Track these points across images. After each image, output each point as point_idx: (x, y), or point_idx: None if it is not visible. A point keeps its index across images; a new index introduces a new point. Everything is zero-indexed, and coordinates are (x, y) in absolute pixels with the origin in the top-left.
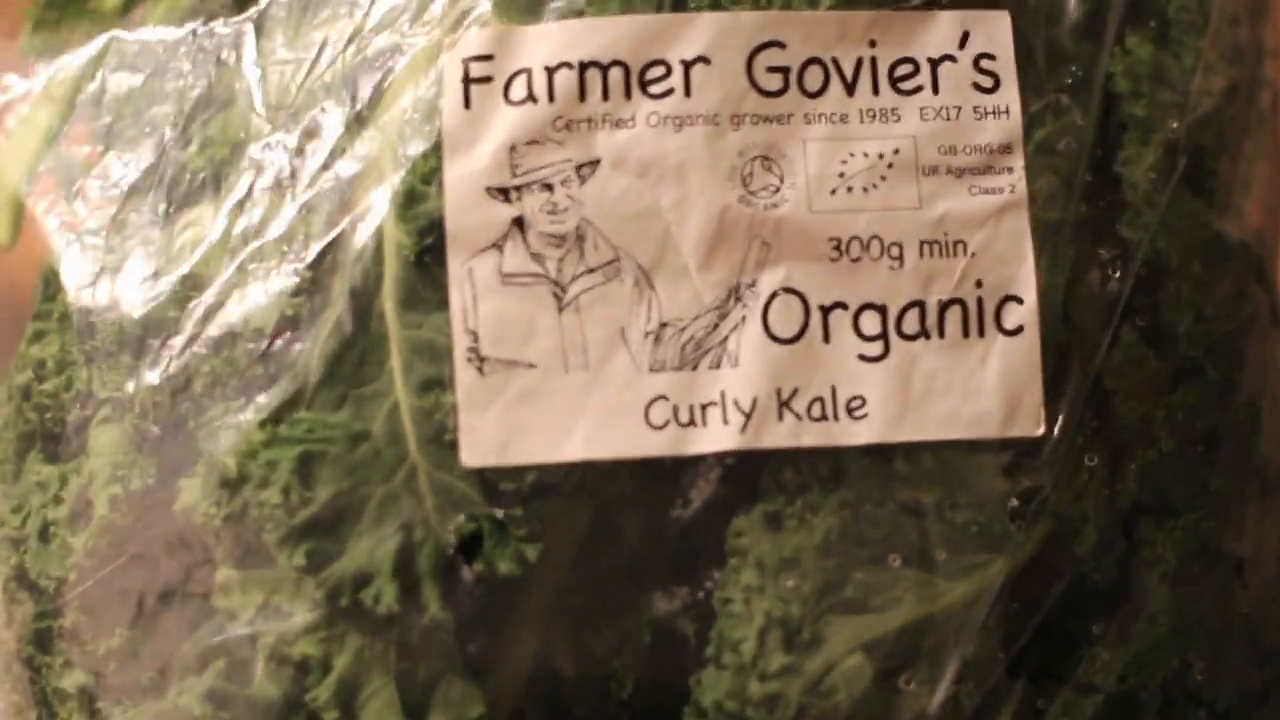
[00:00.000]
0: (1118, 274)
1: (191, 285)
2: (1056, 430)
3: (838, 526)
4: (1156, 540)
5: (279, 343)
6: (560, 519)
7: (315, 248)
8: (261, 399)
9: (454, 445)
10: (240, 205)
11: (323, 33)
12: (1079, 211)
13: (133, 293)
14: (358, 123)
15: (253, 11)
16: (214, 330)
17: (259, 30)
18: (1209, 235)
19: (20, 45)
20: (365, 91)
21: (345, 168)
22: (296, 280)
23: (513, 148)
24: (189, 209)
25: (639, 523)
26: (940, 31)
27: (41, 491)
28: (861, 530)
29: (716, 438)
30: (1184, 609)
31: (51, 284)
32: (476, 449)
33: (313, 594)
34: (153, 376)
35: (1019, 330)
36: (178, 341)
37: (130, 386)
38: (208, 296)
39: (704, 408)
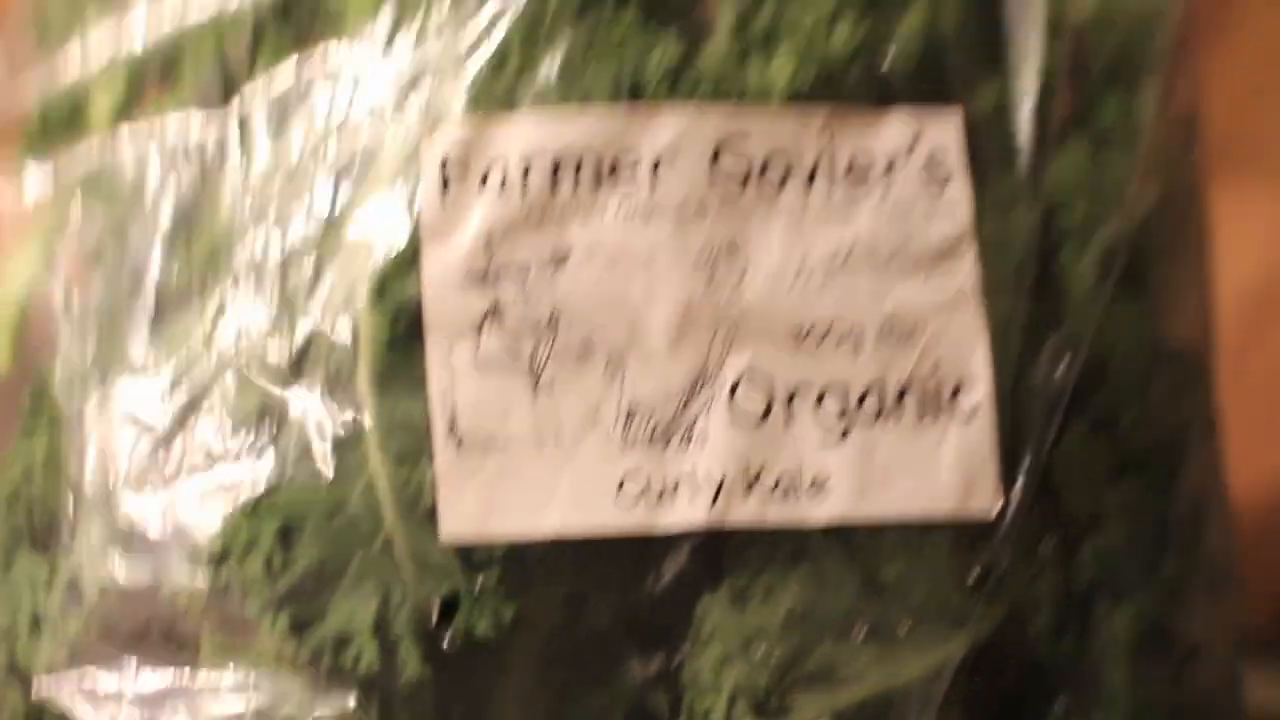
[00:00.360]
0: (1063, 367)
1: (175, 387)
2: (1010, 512)
3: (801, 602)
4: (1112, 620)
5: (261, 434)
6: (536, 587)
7: (297, 340)
8: (244, 484)
9: (431, 515)
10: (221, 307)
11: (302, 130)
12: (1026, 306)
13: (120, 398)
14: (339, 218)
15: (234, 111)
16: (198, 428)
17: (241, 132)
18: (1147, 337)
19: (15, 162)
20: (345, 187)
21: (325, 261)
22: (279, 373)
23: (488, 237)
24: (175, 315)
25: (612, 596)
26: (894, 129)
27: (30, 586)
28: (824, 605)
29: (686, 515)
30: (1141, 690)
31: (39, 390)
32: (455, 523)
33: (296, 658)
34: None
35: (973, 414)
36: (162, 440)
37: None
38: (191, 396)
39: (674, 485)
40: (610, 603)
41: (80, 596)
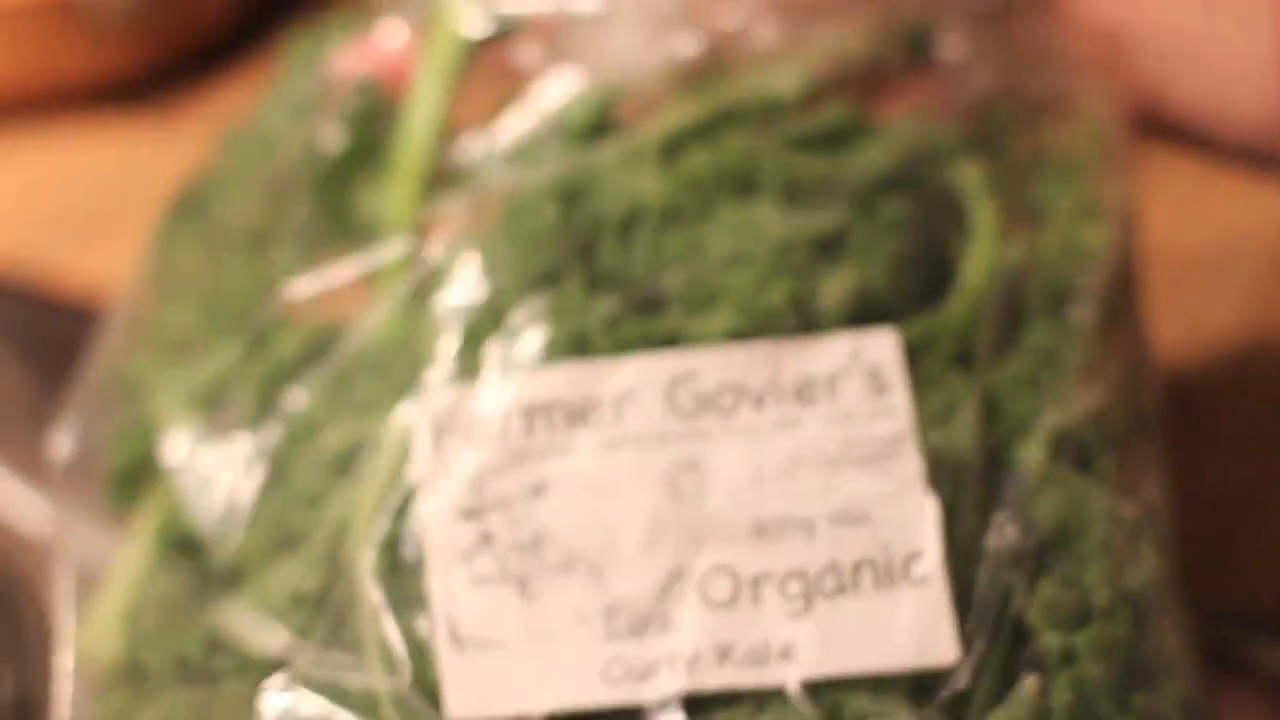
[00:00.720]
0: (1015, 537)
1: None
2: (971, 656)
3: None
4: None
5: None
6: None
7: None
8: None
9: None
10: None
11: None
12: (978, 489)
13: None
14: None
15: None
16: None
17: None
18: (1103, 508)
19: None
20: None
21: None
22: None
23: (476, 480)
24: None
25: None
26: (833, 351)
27: None
28: None
29: (665, 684)
30: None
31: None
32: (461, 704)
33: None
34: None
35: (925, 581)
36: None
37: None
38: None
39: (653, 664)
40: None
41: None
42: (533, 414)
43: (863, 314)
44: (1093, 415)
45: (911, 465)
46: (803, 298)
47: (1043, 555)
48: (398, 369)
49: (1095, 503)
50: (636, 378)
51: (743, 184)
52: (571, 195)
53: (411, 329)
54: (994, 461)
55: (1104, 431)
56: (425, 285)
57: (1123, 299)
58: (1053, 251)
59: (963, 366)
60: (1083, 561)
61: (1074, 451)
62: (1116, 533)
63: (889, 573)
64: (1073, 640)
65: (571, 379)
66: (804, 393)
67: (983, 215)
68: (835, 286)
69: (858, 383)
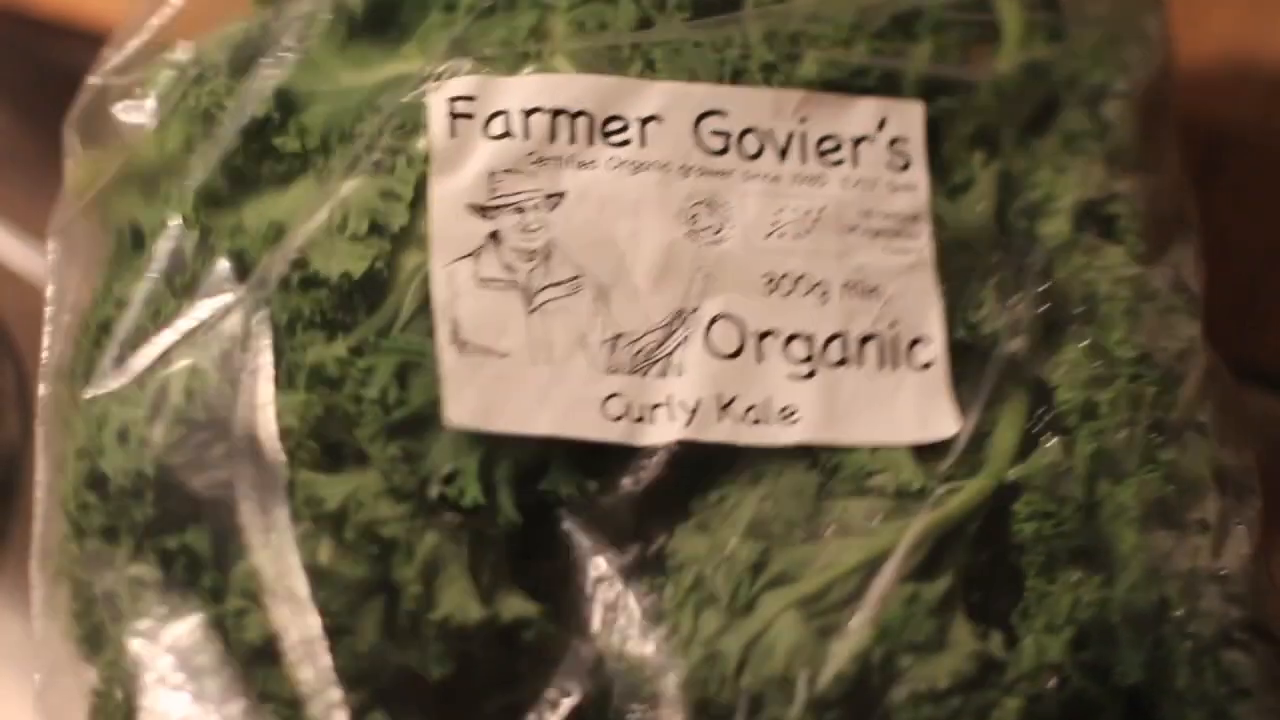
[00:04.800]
0: (1033, 302)
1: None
2: (972, 424)
3: (760, 512)
4: (1116, 494)
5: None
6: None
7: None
8: (356, 328)
9: None
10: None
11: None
12: (993, 263)
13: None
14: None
15: None
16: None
17: None
18: (1132, 273)
19: None
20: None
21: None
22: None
23: (491, 174)
24: None
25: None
26: (861, 115)
27: (119, 401)
28: (783, 513)
29: (664, 431)
30: (1153, 552)
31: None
32: (459, 414)
33: (405, 483)
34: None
35: (929, 366)
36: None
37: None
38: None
39: (653, 407)
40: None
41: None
42: (557, 118)
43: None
44: (1120, 196)
45: (924, 247)
46: (885, 57)
47: (1065, 321)
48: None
49: (1119, 269)
50: (666, 102)
51: None
52: None
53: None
54: (1018, 237)
55: (1131, 208)
56: None
57: (1162, 118)
58: (1085, 55)
59: (987, 147)
60: (1106, 324)
61: (1100, 226)
62: (1143, 298)
63: (894, 353)
64: (1096, 396)
65: (601, 90)
66: (828, 151)
67: (1011, 12)
68: (918, 56)
69: (881, 151)
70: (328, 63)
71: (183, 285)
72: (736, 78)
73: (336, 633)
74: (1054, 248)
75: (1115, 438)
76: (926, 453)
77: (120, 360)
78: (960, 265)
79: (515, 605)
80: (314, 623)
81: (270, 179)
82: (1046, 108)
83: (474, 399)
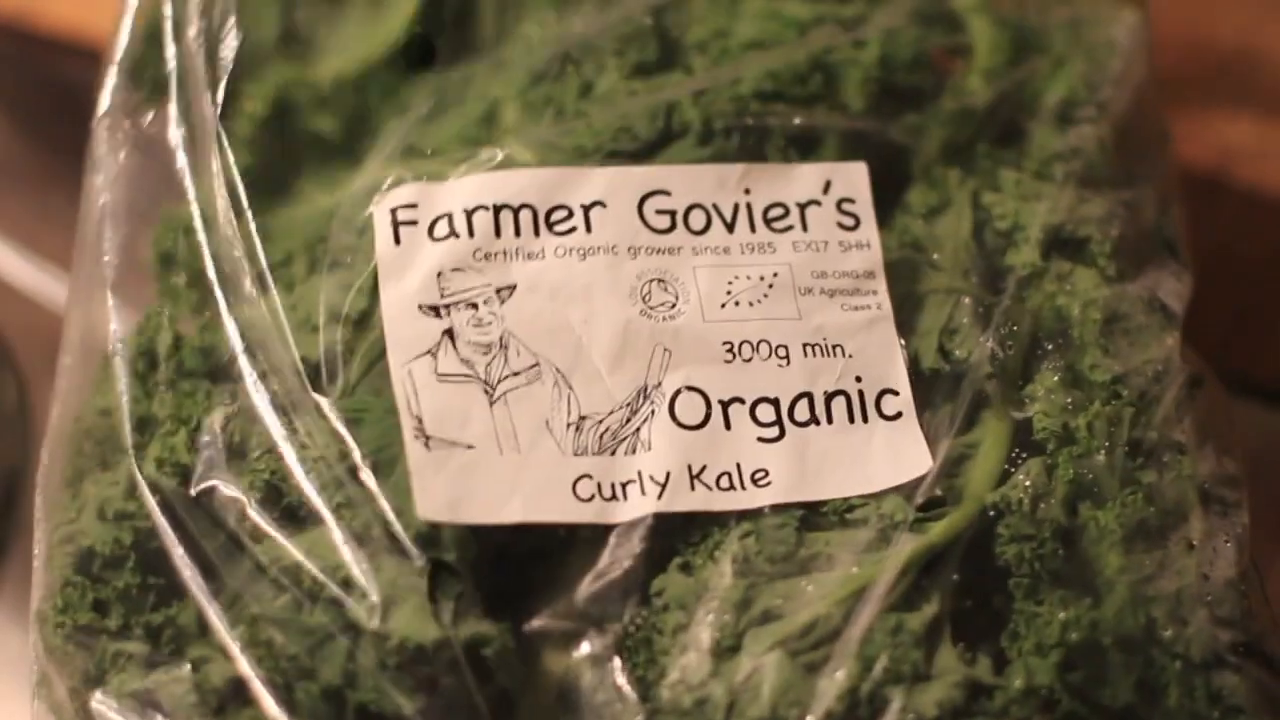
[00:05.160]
0: (1007, 329)
1: None
2: (951, 452)
3: (742, 554)
4: (1098, 517)
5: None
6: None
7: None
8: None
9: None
10: None
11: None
12: (967, 284)
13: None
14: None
15: None
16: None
17: None
18: (1104, 295)
19: None
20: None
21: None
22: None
23: (439, 274)
24: None
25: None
26: (805, 180)
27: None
28: (765, 549)
29: (636, 506)
30: (1138, 574)
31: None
32: (430, 506)
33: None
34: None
35: (898, 415)
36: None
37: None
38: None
39: (624, 485)
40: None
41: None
42: (501, 212)
43: (880, 96)
44: (1091, 219)
45: (883, 300)
46: (826, 63)
47: (1039, 347)
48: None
49: (1091, 292)
50: (608, 187)
51: None
52: None
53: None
54: (994, 258)
55: (1103, 231)
56: None
57: (1139, 130)
58: (1052, 72)
59: (961, 165)
60: (1080, 348)
61: (1070, 249)
62: (1115, 319)
63: (862, 407)
64: (1073, 421)
65: (542, 182)
66: (776, 219)
67: (980, 28)
68: (857, 70)
69: (830, 213)
70: (306, 190)
71: (155, 383)
72: (671, 140)
73: (299, 676)
74: (1025, 276)
75: (1094, 461)
76: (906, 484)
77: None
78: (937, 288)
79: (473, 625)
80: (275, 666)
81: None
82: (1014, 124)
83: (443, 492)
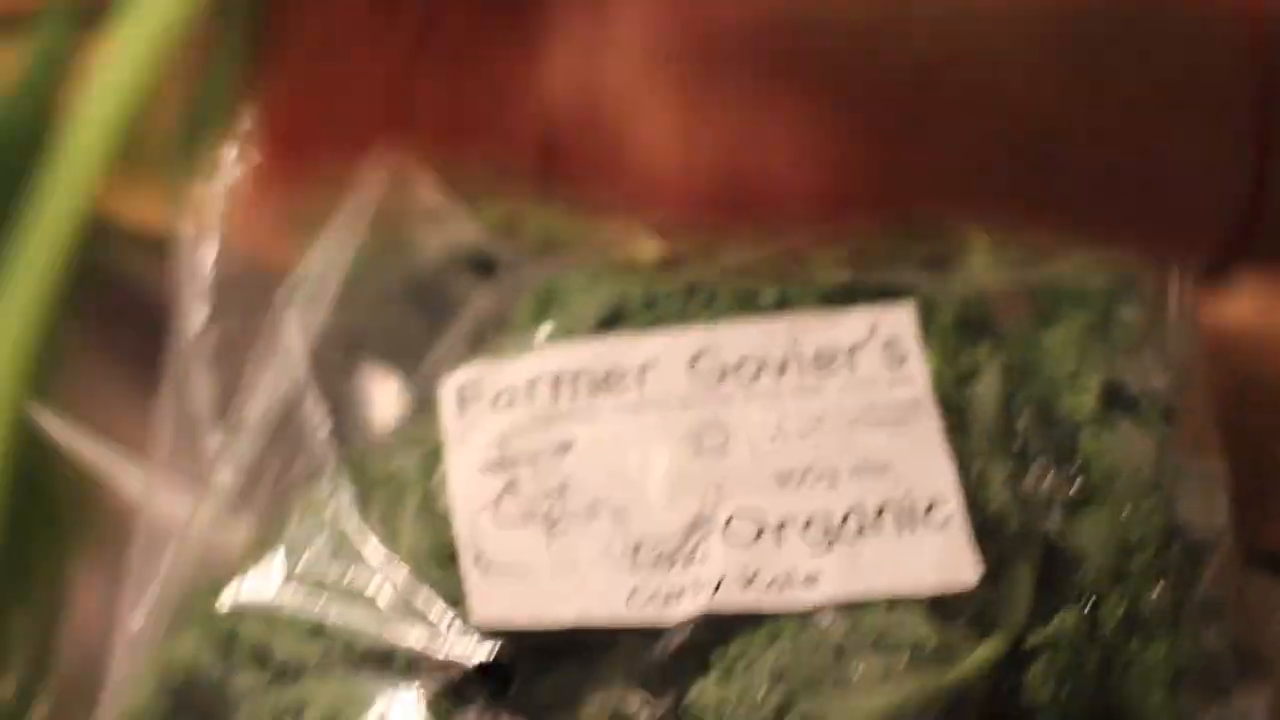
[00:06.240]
0: (1052, 478)
1: None
2: (989, 573)
3: (781, 659)
4: (1145, 656)
5: None
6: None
7: None
8: None
9: None
10: None
11: None
12: (1015, 437)
13: None
14: None
15: None
16: None
17: None
18: (1157, 452)
19: None
20: None
21: None
22: None
23: (501, 438)
24: None
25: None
26: (852, 326)
27: None
28: (804, 661)
29: (690, 607)
30: (1179, 714)
31: None
32: (486, 617)
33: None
34: None
35: (946, 523)
36: None
37: None
38: None
39: (679, 591)
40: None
41: None
42: (559, 383)
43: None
44: (1145, 374)
45: (931, 423)
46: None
47: (1090, 490)
48: None
49: (1147, 444)
50: (659, 350)
51: None
52: None
53: None
54: (1039, 414)
55: (1155, 394)
56: None
57: None
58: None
59: (990, 337)
60: (1136, 495)
61: (1127, 404)
62: (1173, 474)
63: (911, 517)
64: (1127, 563)
65: (596, 351)
66: (824, 363)
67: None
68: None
69: (876, 353)
70: None
71: None
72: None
73: None
74: (1080, 421)
75: (1146, 600)
76: (941, 610)
77: None
78: (971, 449)
79: None
80: None
81: None
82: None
83: (499, 606)
